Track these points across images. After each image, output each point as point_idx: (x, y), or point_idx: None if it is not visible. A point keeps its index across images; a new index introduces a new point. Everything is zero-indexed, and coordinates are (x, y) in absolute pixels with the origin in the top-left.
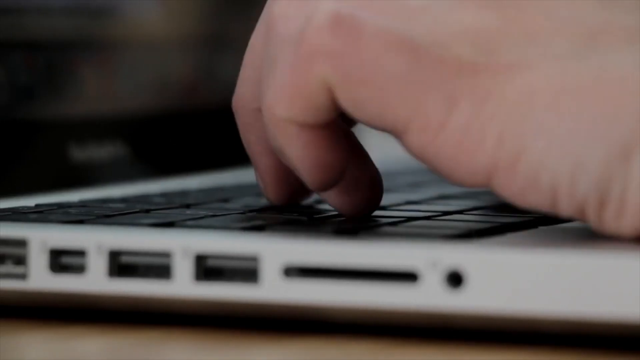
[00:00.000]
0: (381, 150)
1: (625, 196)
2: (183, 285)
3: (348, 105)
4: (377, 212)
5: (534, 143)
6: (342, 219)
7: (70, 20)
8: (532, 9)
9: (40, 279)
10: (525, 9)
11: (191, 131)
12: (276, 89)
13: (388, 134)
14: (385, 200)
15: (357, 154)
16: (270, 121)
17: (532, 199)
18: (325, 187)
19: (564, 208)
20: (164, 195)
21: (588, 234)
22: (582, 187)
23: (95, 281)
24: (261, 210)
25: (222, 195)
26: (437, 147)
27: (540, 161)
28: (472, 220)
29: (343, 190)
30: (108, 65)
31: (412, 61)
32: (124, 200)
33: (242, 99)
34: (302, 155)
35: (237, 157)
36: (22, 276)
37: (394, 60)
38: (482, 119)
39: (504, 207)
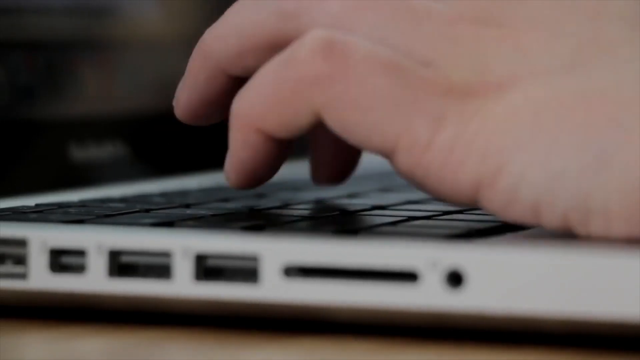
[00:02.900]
0: None
1: (609, 207)
2: (183, 285)
3: (337, 128)
4: (377, 212)
5: (514, 158)
6: (342, 218)
7: (70, 20)
8: (525, 22)
9: (40, 278)
10: (518, 23)
11: (191, 131)
12: (259, 96)
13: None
14: (385, 200)
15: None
16: (238, 117)
17: (515, 214)
18: (240, 188)
19: (548, 221)
20: (164, 195)
21: None
22: (562, 199)
23: (95, 281)
24: (261, 210)
25: (222, 195)
26: (424, 167)
27: (520, 175)
28: (472, 220)
29: (319, 161)
30: (108, 65)
31: (399, 83)
32: (124, 200)
33: (222, 42)
34: (244, 157)
35: None
36: (22, 276)
37: (381, 83)
38: (466, 137)
39: None
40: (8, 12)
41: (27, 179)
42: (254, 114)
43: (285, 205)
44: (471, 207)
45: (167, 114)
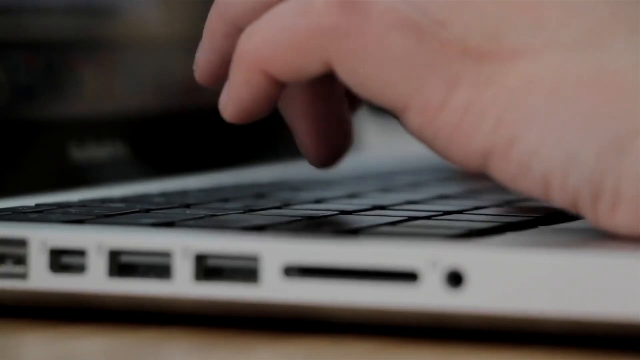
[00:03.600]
0: (381, 150)
1: (619, 189)
2: (183, 285)
3: (349, 80)
4: (377, 212)
5: (529, 131)
6: (342, 218)
7: (70, 20)
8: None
9: (40, 278)
10: None
11: (191, 131)
12: (269, 40)
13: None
14: (385, 200)
15: (337, 102)
16: (244, 56)
17: (525, 186)
18: (233, 122)
19: (556, 198)
20: (164, 195)
21: (588, 234)
22: (574, 178)
23: (95, 281)
24: (261, 210)
25: (222, 195)
26: (436, 128)
27: (533, 149)
28: (472, 220)
29: (314, 133)
30: (108, 65)
31: (416, 42)
32: (124, 200)
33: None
34: (244, 95)
35: (237, 157)
36: (22, 276)
37: (398, 40)
38: (481, 103)
39: (504, 206)
40: (8, 12)
41: (27, 179)
42: (262, 56)
43: (285, 205)
44: (479, 172)
45: (167, 114)
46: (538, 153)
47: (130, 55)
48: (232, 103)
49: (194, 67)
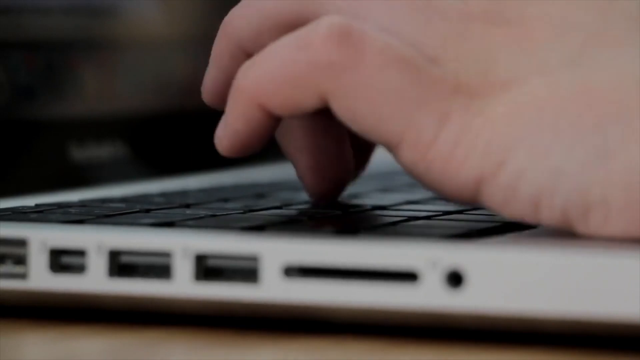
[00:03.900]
0: (381, 150)
1: (607, 200)
2: (183, 285)
3: (344, 116)
4: (377, 212)
5: (515, 154)
6: (342, 218)
7: (70, 20)
8: (534, 20)
9: (40, 278)
10: (527, 21)
11: (191, 131)
12: (266, 75)
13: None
14: (385, 200)
15: (336, 136)
16: (241, 90)
17: (516, 210)
18: (229, 156)
19: (547, 217)
20: (164, 195)
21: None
22: (562, 194)
23: (95, 281)
24: (261, 210)
25: (222, 195)
26: (427, 162)
27: (520, 171)
28: (472, 220)
29: (313, 167)
30: (108, 65)
31: (410, 79)
32: (124, 200)
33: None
34: (241, 129)
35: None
36: (22, 276)
37: (393, 77)
38: (470, 134)
39: None
40: (8, 12)
41: (27, 179)
42: (259, 90)
43: (285, 205)
44: (472, 205)
45: (167, 114)
46: (525, 174)
47: (130, 55)
48: (228, 136)
49: (202, 88)
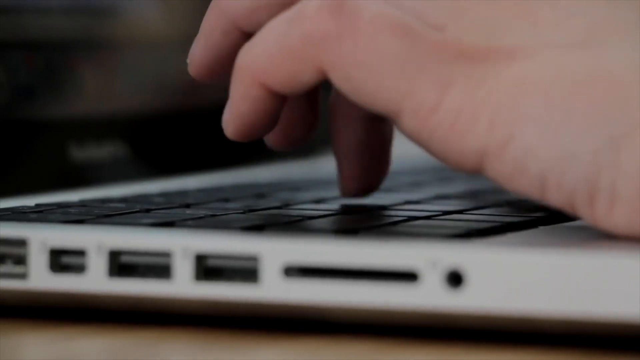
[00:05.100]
0: None
1: (616, 188)
2: (183, 285)
3: (343, 87)
4: (377, 212)
5: (524, 131)
6: (342, 218)
7: (70, 20)
8: (540, 1)
9: (40, 278)
10: (533, 1)
11: (191, 131)
12: (263, 52)
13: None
14: (385, 200)
15: (385, 136)
16: (241, 70)
17: (521, 185)
18: (236, 139)
19: (553, 198)
20: (164, 195)
21: (588, 234)
22: (571, 177)
23: (95, 281)
24: (261, 210)
25: (222, 195)
26: (430, 130)
27: (528, 149)
28: (472, 220)
29: (360, 167)
30: (108, 65)
31: (408, 44)
32: (124, 200)
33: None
34: (245, 110)
35: (237, 157)
36: (22, 276)
37: (390, 43)
38: (474, 104)
39: (504, 206)
40: (8, 12)
41: (27, 179)
42: (257, 68)
43: (285, 205)
44: (475, 173)
45: (167, 114)
46: (534, 152)
47: (130, 55)
48: (233, 119)
49: (188, 61)
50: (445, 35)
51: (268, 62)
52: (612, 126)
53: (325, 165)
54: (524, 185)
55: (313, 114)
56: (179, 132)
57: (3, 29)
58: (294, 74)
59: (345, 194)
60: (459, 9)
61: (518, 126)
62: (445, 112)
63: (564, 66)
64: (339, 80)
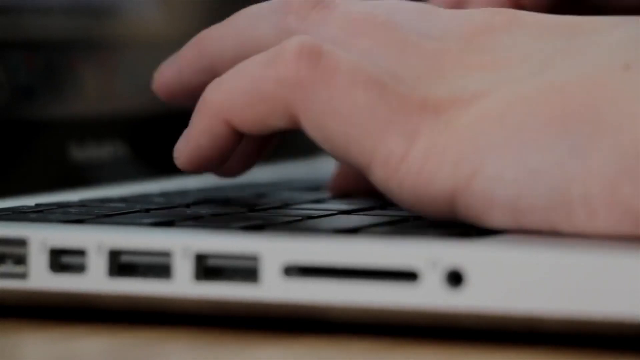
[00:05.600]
0: None
1: (589, 195)
2: (183, 285)
3: (315, 135)
4: (377, 212)
5: (486, 162)
6: (342, 218)
7: (70, 20)
8: (501, 49)
9: (40, 278)
10: (495, 49)
11: None
12: (234, 90)
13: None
14: (385, 200)
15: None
16: (207, 105)
17: (495, 218)
18: (186, 170)
19: (530, 221)
20: (164, 195)
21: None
22: (541, 195)
23: (95, 281)
24: (261, 210)
25: (222, 195)
26: (399, 179)
27: (494, 177)
28: None
29: (354, 174)
30: (108, 65)
31: (378, 97)
32: (124, 200)
33: (219, 42)
34: (203, 144)
35: None
36: (22, 276)
37: (363, 96)
38: (438, 149)
39: None
40: (8, 12)
41: (27, 179)
42: (226, 106)
43: (285, 205)
44: (449, 219)
45: (167, 114)
46: (500, 179)
47: (130, 55)
48: (188, 151)
49: (155, 75)
50: (409, 88)
51: (238, 101)
52: (571, 137)
53: (325, 165)
54: (498, 217)
55: (259, 155)
56: (179, 132)
57: (3, 29)
58: (263, 117)
59: (334, 191)
60: (427, 67)
61: (480, 159)
62: (413, 159)
63: (517, 94)
64: (310, 128)
